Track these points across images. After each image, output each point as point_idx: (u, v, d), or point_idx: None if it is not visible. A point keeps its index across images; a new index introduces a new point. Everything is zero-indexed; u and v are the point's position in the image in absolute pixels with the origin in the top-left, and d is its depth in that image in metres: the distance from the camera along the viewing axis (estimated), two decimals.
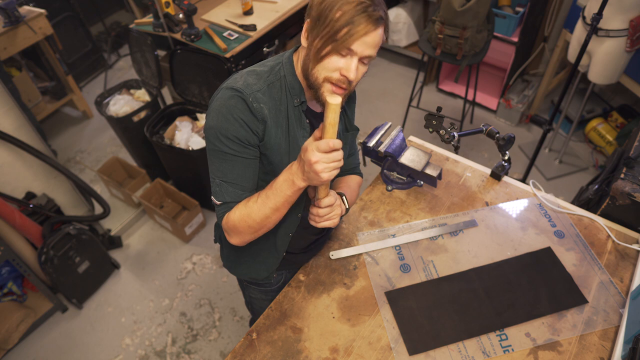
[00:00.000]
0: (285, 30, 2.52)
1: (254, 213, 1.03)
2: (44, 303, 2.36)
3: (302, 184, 0.96)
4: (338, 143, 0.89)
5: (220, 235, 1.35)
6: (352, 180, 1.32)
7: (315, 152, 0.88)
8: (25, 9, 2.80)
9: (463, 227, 1.44)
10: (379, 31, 0.93)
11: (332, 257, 1.38)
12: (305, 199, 1.17)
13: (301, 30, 1.02)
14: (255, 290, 1.43)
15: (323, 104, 1.00)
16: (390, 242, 1.41)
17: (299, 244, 1.30)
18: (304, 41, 1.00)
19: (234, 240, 1.11)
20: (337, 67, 0.95)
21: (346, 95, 1.01)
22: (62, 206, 2.42)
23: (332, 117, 0.88)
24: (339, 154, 0.90)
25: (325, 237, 1.42)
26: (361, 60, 0.96)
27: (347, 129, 1.23)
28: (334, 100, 0.88)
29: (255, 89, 1.01)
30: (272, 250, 1.26)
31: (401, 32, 3.55)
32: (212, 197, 1.09)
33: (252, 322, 1.78)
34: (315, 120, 1.13)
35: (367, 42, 0.92)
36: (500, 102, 3.24)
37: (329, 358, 1.16)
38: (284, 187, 0.98)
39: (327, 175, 0.90)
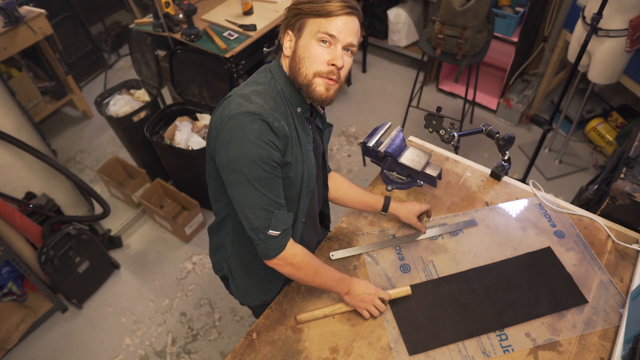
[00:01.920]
0: None
1: (310, 274, 1.13)
2: (44, 303, 2.36)
3: (342, 293, 1.20)
4: (387, 304, 1.24)
5: (227, 267, 1.34)
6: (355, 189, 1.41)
7: (377, 299, 1.20)
8: (25, 9, 2.80)
9: (463, 227, 1.44)
10: (355, 20, 1.00)
11: (332, 257, 1.38)
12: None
13: None
14: None
15: (314, 100, 1.05)
16: (390, 242, 1.41)
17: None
18: (287, 48, 1.04)
19: (288, 273, 1.12)
20: (325, 58, 0.99)
21: (337, 90, 1.04)
22: (62, 206, 2.42)
23: (400, 296, 1.25)
24: (383, 307, 1.21)
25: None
26: (345, 49, 1.00)
27: (324, 127, 1.25)
28: (408, 291, 1.25)
29: (269, 108, 0.98)
30: None
31: (401, 32, 3.54)
32: (269, 230, 1.02)
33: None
34: (314, 121, 1.13)
35: (347, 28, 0.98)
36: (500, 102, 3.24)
37: (329, 358, 1.16)
38: (336, 285, 1.18)
39: (364, 307, 1.20)
